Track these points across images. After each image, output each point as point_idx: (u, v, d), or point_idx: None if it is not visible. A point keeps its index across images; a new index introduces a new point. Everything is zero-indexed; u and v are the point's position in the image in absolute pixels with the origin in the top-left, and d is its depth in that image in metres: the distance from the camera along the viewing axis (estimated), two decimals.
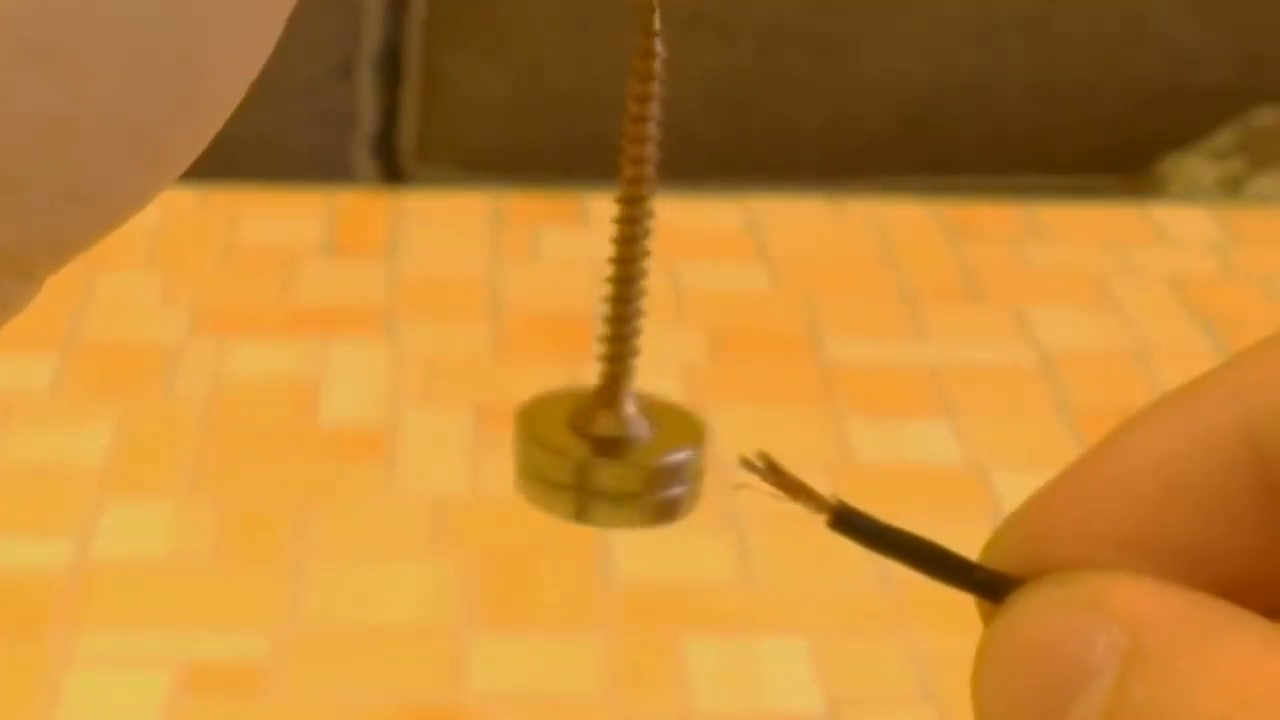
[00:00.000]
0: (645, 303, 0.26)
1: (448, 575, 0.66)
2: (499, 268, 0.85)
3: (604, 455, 0.26)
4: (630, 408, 0.26)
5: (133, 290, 0.82)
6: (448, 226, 0.89)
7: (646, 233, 0.26)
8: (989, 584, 0.24)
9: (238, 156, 1.24)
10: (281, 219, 0.89)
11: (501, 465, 0.71)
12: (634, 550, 0.67)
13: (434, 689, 0.61)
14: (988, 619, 0.24)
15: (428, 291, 0.83)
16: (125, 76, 0.20)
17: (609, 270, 0.26)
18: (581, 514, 0.26)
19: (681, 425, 0.26)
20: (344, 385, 0.76)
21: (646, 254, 0.26)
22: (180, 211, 0.89)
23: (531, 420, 0.26)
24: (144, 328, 0.80)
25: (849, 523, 0.24)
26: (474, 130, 1.49)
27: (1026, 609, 0.23)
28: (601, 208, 0.88)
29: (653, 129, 0.25)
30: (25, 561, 0.65)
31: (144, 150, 0.20)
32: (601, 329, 0.26)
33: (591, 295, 0.82)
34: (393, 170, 1.52)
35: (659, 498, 0.26)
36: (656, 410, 0.26)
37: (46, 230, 0.20)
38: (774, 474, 0.25)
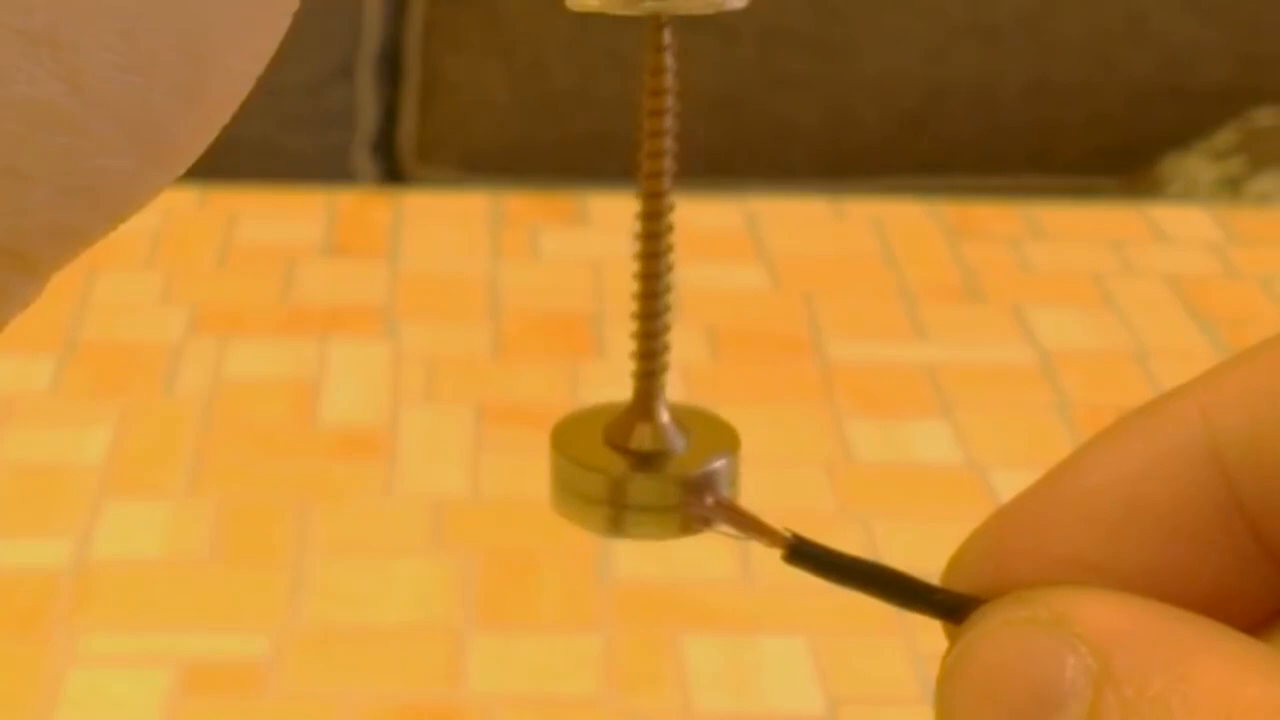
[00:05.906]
0: (672, 316, 0.26)
1: (447, 575, 0.66)
2: (499, 268, 0.85)
3: (642, 469, 0.25)
4: (665, 419, 0.26)
5: (133, 290, 0.82)
6: (448, 226, 0.89)
7: (669, 247, 0.26)
8: (950, 606, 0.24)
9: (238, 157, 1.24)
10: (281, 219, 0.89)
11: (502, 465, 0.71)
12: (634, 551, 0.67)
13: (433, 689, 0.61)
14: (953, 640, 0.23)
15: (428, 291, 0.83)
16: (126, 67, 0.19)
17: (635, 286, 0.26)
18: (616, 528, 0.25)
19: (714, 432, 0.26)
20: (344, 385, 0.76)
21: (670, 268, 0.26)
22: (180, 211, 0.89)
23: (567, 438, 0.26)
24: (144, 328, 0.80)
25: (805, 555, 0.24)
26: (474, 130, 1.49)
27: (987, 629, 0.23)
28: (601, 208, 0.88)
29: (669, 143, 0.25)
30: (25, 561, 0.65)
31: (146, 143, 0.20)
32: (633, 345, 0.26)
33: (591, 295, 0.82)
34: (393, 170, 1.52)
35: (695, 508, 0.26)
36: (689, 418, 0.26)
37: (46, 223, 0.20)
38: (726, 511, 0.25)
